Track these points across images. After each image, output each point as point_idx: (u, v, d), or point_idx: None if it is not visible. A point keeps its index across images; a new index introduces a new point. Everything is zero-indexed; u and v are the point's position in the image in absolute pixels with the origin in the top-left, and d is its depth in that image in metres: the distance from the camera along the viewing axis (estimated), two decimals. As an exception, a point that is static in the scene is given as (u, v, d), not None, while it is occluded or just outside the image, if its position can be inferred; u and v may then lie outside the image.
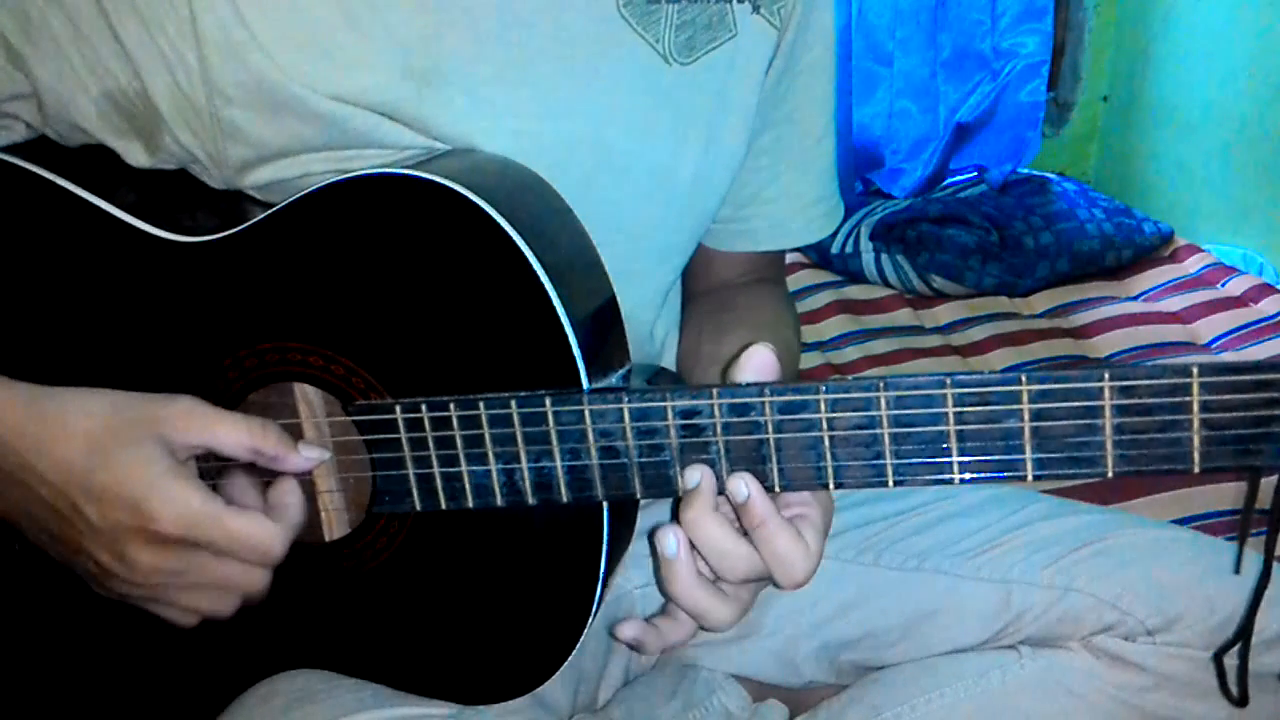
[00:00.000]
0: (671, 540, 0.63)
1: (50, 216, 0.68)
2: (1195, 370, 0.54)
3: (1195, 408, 0.54)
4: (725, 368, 0.66)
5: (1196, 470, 0.55)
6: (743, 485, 0.61)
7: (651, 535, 0.66)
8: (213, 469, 0.67)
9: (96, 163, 0.68)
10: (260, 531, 0.62)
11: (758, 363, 0.63)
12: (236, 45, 0.63)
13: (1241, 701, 0.69)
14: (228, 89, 0.64)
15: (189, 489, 0.60)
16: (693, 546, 0.63)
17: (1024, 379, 0.56)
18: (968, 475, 0.59)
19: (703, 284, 0.92)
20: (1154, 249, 2.04)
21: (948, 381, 0.57)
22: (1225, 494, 1.32)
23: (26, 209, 0.68)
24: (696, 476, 0.62)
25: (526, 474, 0.63)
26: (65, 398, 0.62)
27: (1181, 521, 1.27)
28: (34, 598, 0.72)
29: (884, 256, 1.99)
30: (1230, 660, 0.71)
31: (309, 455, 0.65)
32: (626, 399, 0.61)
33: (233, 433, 0.62)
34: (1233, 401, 0.54)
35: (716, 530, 0.62)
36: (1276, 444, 0.54)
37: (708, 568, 0.64)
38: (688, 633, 0.70)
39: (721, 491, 0.62)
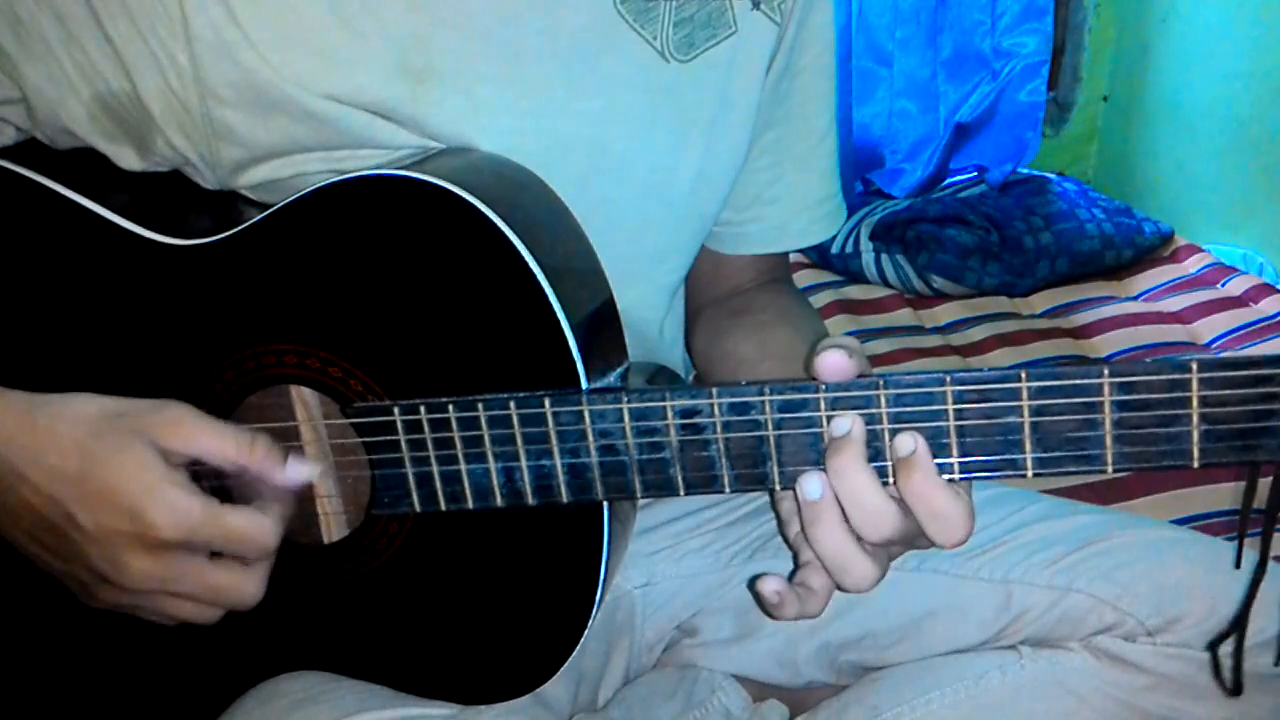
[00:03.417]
0: (816, 482, 0.59)
1: (42, 221, 0.67)
2: (1194, 366, 0.54)
3: (1194, 403, 0.54)
4: (806, 362, 0.64)
5: (1196, 465, 0.55)
6: (911, 440, 0.58)
7: (774, 495, 0.64)
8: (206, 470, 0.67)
9: (88, 165, 0.68)
10: (255, 525, 0.62)
11: (835, 362, 0.59)
12: (229, 45, 0.63)
13: (1235, 690, 0.69)
14: (220, 89, 0.64)
15: (185, 494, 0.60)
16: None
17: (1024, 376, 0.56)
18: (968, 473, 0.59)
19: (714, 291, 0.92)
20: (1154, 249, 2.04)
21: (947, 379, 0.57)
22: (1225, 494, 1.32)
23: (17, 213, 0.68)
24: (847, 424, 0.59)
25: (526, 474, 0.63)
26: (56, 405, 0.62)
27: (1182, 521, 1.27)
28: (34, 597, 0.72)
29: (884, 256, 1.99)
30: (1224, 657, 0.70)
31: (296, 471, 0.64)
32: (626, 399, 0.61)
33: (219, 444, 0.62)
34: (1231, 397, 0.54)
35: (867, 482, 0.59)
36: (1275, 439, 0.54)
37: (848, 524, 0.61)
38: (823, 602, 0.65)
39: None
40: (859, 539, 0.61)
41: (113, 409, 0.62)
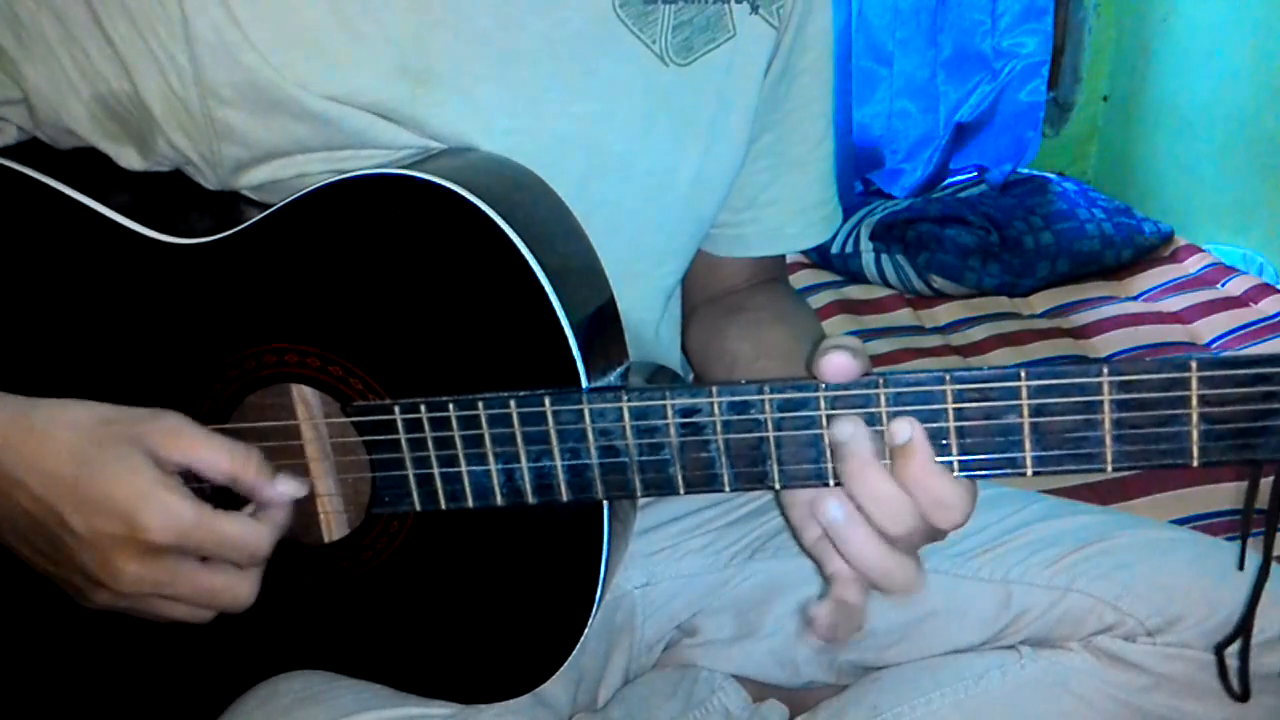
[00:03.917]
0: (836, 505, 0.59)
1: (44, 219, 0.68)
2: (1194, 364, 0.54)
3: (1194, 402, 0.54)
4: (808, 362, 0.63)
5: (1195, 464, 0.55)
6: (907, 426, 0.58)
7: (788, 510, 0.63)
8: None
9: (90, 164, 0.68)
10: (248, 532, 0.62)
11: (839, 364, 0.59)
12: (229, 46, 0.63)
13: (1243, 696, 0.69)
14: (221, 89, 0.65)
15: (178, 498, 0.60)
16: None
17: (1023, 374, 0.56)
18: (967, 471, 0.59)
19: (710, 291, 0.92)
20: (1154, 249, 2.04)
21: (947, 378, 0.57)
22: (1225, 494, 1.32)
23: (19, 212, 0.68)
24: (850, 429, 0.58)
25: (526, 474, 0.63)
26: (50, 410, 0.62)
27: (1182, 521, 1.27)
28: (34, 598, 0.72)
29: (884, 256, 1.99)
30: (1232, 659, 0.70)
31: (284, 490, 0.64)
32: (626, 398, 0.61)
33: (213, 457, 0.62)
34: (1231, 395, 0.54)
35: (880, 478, 0.58)
36: (1274, 437, 0.54)
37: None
38: (864, 614, 0.64)
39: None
40: (892, 543, 0.60)
41: (108, 416, 0.62)
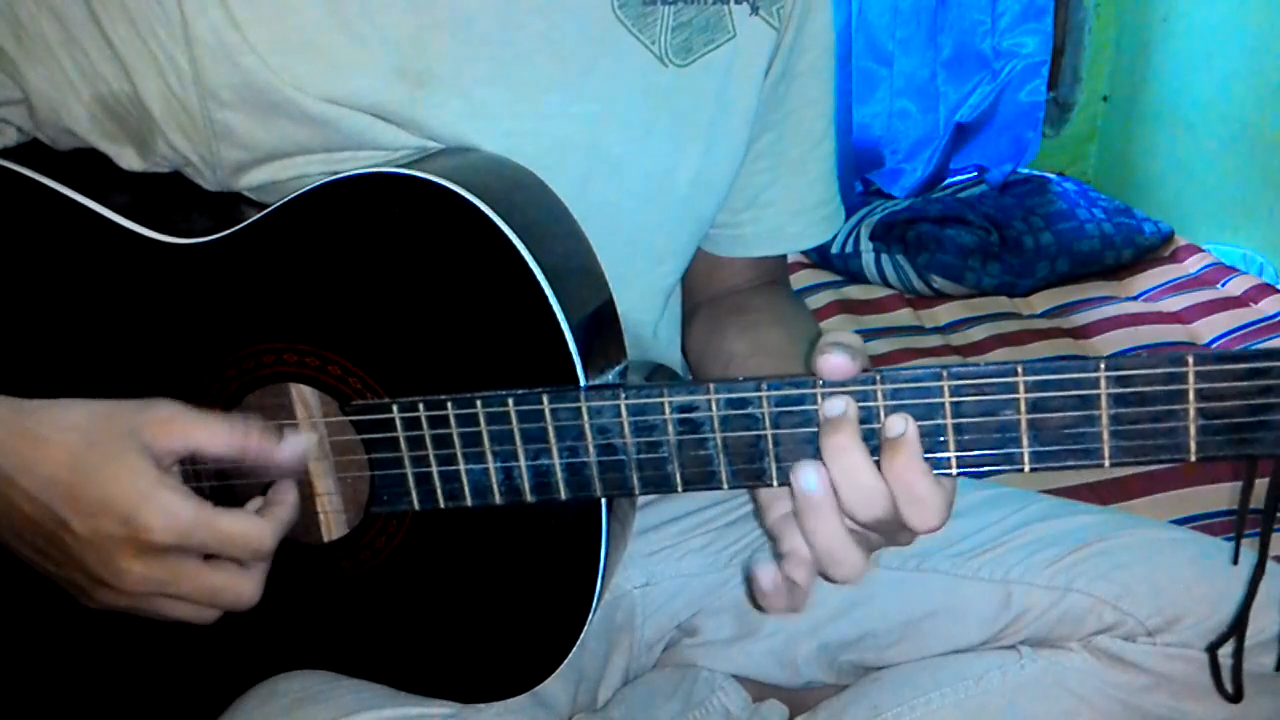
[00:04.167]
0: (812, 474, 0.59)
1: (43, 220, 0.68)
2: (1191, 360, 0.54)
3: (1191, 397, 0.54)
4: (806, 360, 0.63)
5: (1193, 459, 0.55)
6: (902, 422, 0.58)
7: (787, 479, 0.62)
8: (207, 470, 0.67)
9: (89, 165, 0.68)
10: (250, 528, 0.62)
11: (836, 365, 0.59)
12: (228, 48, 0.64)
13: (1236, 697, 0.69)
14: (220, 91, 0.65)
15: (178, 497, 0.60)
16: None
17: (1020, 370, 0.56)
18: (965, 468, 0.58)
19: (710, 292, 0.92)
20: (1154, 249, 2.04)
21: (944, 374, 0.57)
22: (1225, 494, 1.32)
23: (19, 213, 0.68)
24: (841, 406, 0.58)
25: (525, 472, 0.63)
26: (45, 412, 0.62)
27: (1182, 521, 1.27)
28: (34, 598, 0.72)
29: (884, 256, 1.99)
30: (1225, 659, 0.70)
31: (293, 446, 0.64)
32: (624, 395, 0.61)
33: (213, 435, 0.62)
34: (1228, 390, 0.54)
35: (861, 460, 0.58)
36: (1272, 432, 0.54)
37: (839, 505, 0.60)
38: (807, 598, 0.63)
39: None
40: (851, 530, 0.60)
41: (102, 412, 0.62)
